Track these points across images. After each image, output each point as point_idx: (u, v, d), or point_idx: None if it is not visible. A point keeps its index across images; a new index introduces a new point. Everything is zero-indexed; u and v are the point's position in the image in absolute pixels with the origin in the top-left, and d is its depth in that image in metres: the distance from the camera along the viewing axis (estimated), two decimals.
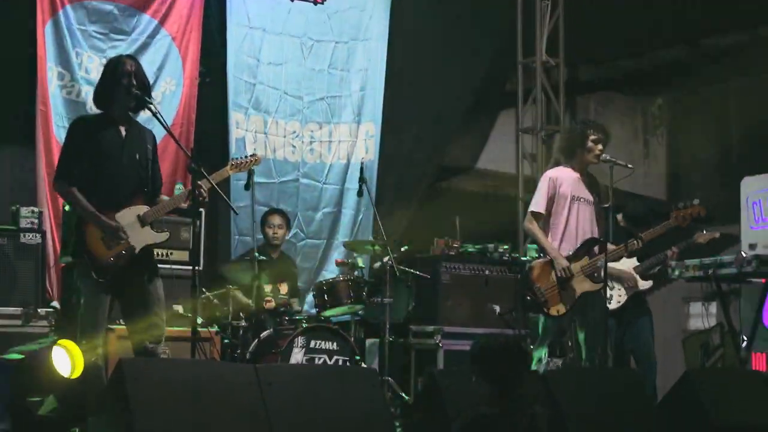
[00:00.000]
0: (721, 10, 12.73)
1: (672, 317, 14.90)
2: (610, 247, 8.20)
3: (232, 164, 7.35)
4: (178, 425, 5.52)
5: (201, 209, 8.86)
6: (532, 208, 8.34)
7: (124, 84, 6.74)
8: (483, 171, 14.31)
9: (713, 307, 13.45)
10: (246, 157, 7.58)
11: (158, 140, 7.19)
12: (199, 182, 6.75)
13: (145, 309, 6.75)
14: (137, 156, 6.83)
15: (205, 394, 5.68)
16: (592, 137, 8.27)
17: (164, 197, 7.06)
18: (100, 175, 6.69)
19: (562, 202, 8.25)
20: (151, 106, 6.80)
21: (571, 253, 8.16)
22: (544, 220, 8.30)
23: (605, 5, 12.88)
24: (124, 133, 6.82)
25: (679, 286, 13.36)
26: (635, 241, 8.30)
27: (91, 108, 8.74)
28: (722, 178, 13.85)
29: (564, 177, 8.31)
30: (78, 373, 5.79)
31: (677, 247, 9.16)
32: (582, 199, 8.27)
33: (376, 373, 7.29)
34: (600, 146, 8.28)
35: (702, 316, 11.95)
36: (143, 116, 7.11)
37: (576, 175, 8.32)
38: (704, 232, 9.21)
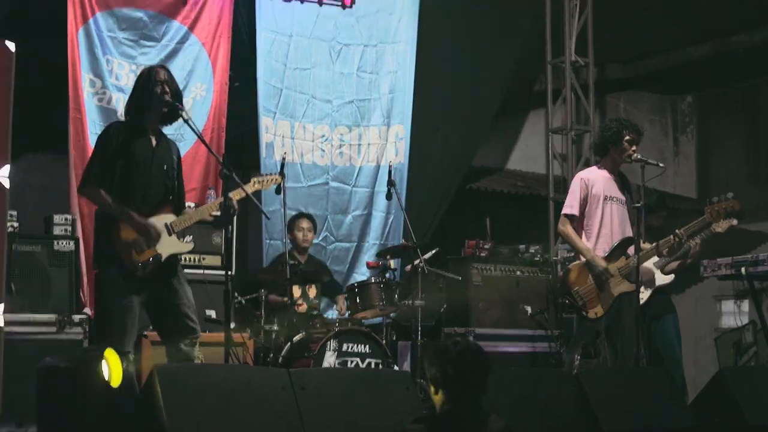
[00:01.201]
0: (750, 6, 12.71)
1: (704, 315, 14.87)
2: (646, 246, 8.19)
3: (254, 181, 7.38)
4: (210, 430, 5.54)
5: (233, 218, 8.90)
6: (565, 211, 8.29)
7: (157, 92, 6.80)
8: (513, 171, 14.34)
9: (746, 305, 13.43)
10: (269, 174, 7.68)
11: (189, 146, 7.28)
12: (229, 194, 6.80)
13: (177, 312, 6.79)
14: (165, 167, 6.89)
15: (238, 399, 5.70)
16: (627, 137, 8.21)
17: (190, 206, 7.11)
18: (131, 183, 6.73)
19: (595, 202, 8.21)
20: (183, 113, 6.86)
21: (606, 254, 8.13)
22: (578, 221, 8.27)
23: (633, 3, 12.88)
24: (154, 143, 6.88)
25: (710, 284, 13.33)
26: (672, 238, 8.25)
27: (122, 115, 8.84)
28: (752, 174, 13.83)
29: (596, 177, 8.28)
30: (118, 381, 5.82)
31: (699, 237, 9.05)
32: (615, 199, 8.23)
33: (409, 376, 7.31)
34: (634, 146, 8.22)
35: (734, 314, 11.96)
36: (174, 124, 7.16)
37: (608, 174, 8.29)
38: (721, 221, 9.08)
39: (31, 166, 9.99)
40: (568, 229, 8.23)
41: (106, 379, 5.69)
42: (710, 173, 15.80)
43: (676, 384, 8.83)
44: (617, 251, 8.10)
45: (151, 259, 6.69)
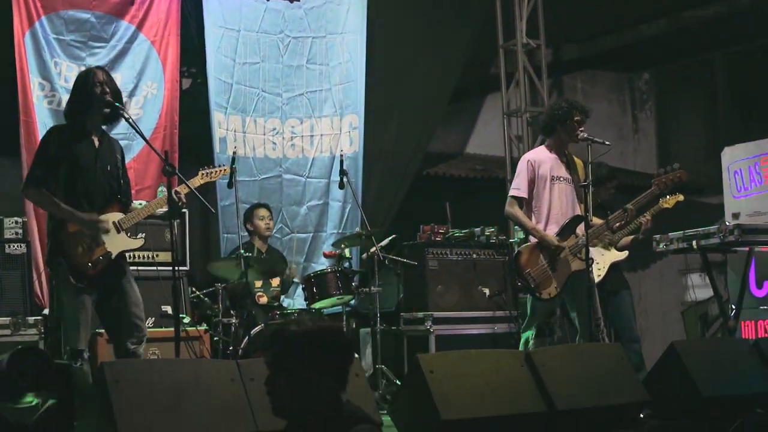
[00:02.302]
0: None
1: (670, 289, 14.98)
2: (597, 221, 8.25)
3: (202, 174, 7.44)
4: (161, 426, 5.54)
5: (181, 212, 8.94)
6: (513, 192, 8.29)
7: (96, 93, 6.80)
8: (472, 155, 14.40)
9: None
10: (215, 167, 7.67)
11: (142, 145, 7.29)
12: (176, 188, 6.83)
13: (124, 311, 6.81)
14: (109, 167, 6.91)
15: (187, 392, 5.67)
16: (576, 117, 8.21)
17: (137, 204, 7.14)
18: (75, 187, 6.76)
19: (542, 183, 8.21)
20: (124, 113, 6.87)
21: (559, 231, 8.16)
22: (527, 203, 8.28)
23: None
24: (97, 144, 6.90)
25: (676, 258, 13.45)
26: (622, 213, 8.31)
27: None
28: (711, 150, 13.88)
29: (542, 158, 8.30)
30: None
31: (649, 213, 9.11)
32: (562, 179, 8.24)
33: (358, 362, 7.33)
34: (581, 127, 8.26)
35: (701, 288, 12.02)
36: (124, 124, 7.18)
37: (554, 155, 8.31)
38: (668, 197, 9.15)
39: None
40: (515, 209, 8.24)
41: None
42: (670, 149, 15.90)
43: (630, 360, 8.94)
44: (567, 230, 8.13)
45: (101, 257, 6.72)
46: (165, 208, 7.02)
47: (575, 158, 8.41)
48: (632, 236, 9.30)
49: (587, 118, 8.35)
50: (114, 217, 6.85)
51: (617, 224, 8.43)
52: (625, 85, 16.26)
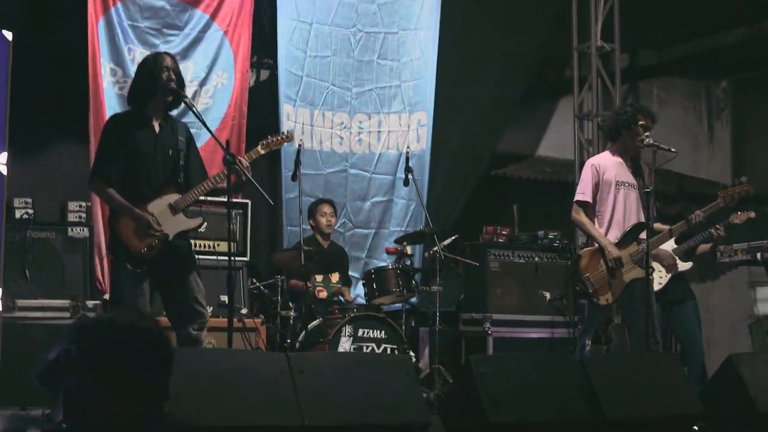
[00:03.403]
0: None
1: (739, 302, 14.77)
2: (660, 227, 8.18)
3: (263, 144, 7.33)
4: (208, 414, 5.57)
5: (241, 189, 8.87)
6: (577, 197, 8.21)
7: (163, 78, 6.86)
8: (543, 158, 14.29)
9: None
10: (277, 135, 7.51)
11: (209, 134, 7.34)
12: (239, 157, 6.87)
13: (185, 297, 6.88)
14: (170, 151, 6.95)
15: (236, 383, 5.72)
16: (641, 122, 8.13)
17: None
18: (135, 172, 6.84)
19: (607, 188, 8.15)
20: (187, 100, 6.92)
21: (621, 239, 8.09)
22: (590, 208, 8.21)
23: None
24: (157, 129, 6.95)
25: (745, 270, 13.25)
26: (684, 223, 8.25)
27: None
28: None
29: (607, 163, 8.23)
30: None
31: (721, 225, 9.02)
32: (626, 184, 8.16)
33: (410, 360, 7.34)
34: (647, 132, 8.17)
35: (759, 300, 11.85)
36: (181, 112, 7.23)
37: (619, 159, 8.23)
38: (738, 213, 9.05)
39: (52, 154, 10.09)
40: (581, 216, 8.18)
41: None
42: (745, 159, 15.68)
43: (692, 371, 8.86)
44: (629, 236, 8.06)
45: (156, 241, 6.77)
46: (223, 185, 7.00)
47: (642, 164, 8.33)
48: (705, 245, 9.20)
49: (653, 123, 8.25)
50: (170, 199, 6.89)
51: (679, 233, 8.36)
52: (701, 93, 16.04)
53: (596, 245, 8.14)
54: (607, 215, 8.17)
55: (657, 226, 8.15)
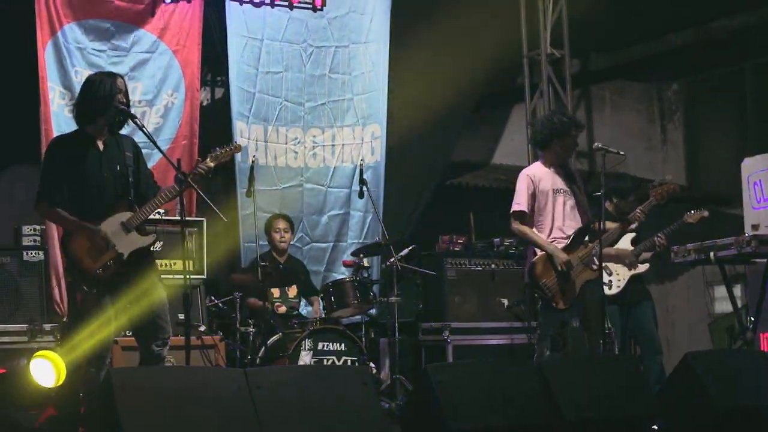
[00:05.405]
0: None
1: (697, 302, 14.86)
2: (611, 225, 8.28)
3: (211, 156, 7.20)
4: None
5: (187, 212, 8.91)
6: (514, 208, 8.21)
7: (117, 100, 6.82)
8: (498, 166, 14.36)
9: (738, 290, 13.43)
10: (226, 146, 7.34)
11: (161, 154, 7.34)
12: (200, 159, 6.91)
13: (147, 312, 6.82)
14: (117, 167, 6.89)
15: (193, 400, 5.71)
16: (573, 133, 8.22)
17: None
18: (81, 192, 6.78)
19: (544, 198, 8.15)
20: (137, 120, 6.91)
21: (567, 245, 8.12)
22: (528, 218, 8.21)
23: None
24: (101, 147, 6.89)
25: (701, 270, 13.34)
26: (624, 224, 8.40)
27: None
28: (740, 160, 13.80)
29: (541, 173, 8.23)
30: (61, 381, 5.86)
31: (663, 232, 9.13)
32: (562, 191, 8.20)
33: (368, 371, 7.36)
34: (576, 143, 8.30)
35: (715, 300, 11.95)
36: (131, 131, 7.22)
37: (551, 169, 8.26)
38: (692, 212, 9.16)
39: (4, 178, 10.07)
40: (521, 226, 8.17)
41: (40, 382, 5.70)
42: (698, 159, 15.81)
43: (651, 371, 8.94)
44: (575, 242, 8.11)
45: (110, 261, 6.73)
46: (170, 200, 7.00)
47: (574, 170, 8.45)
48: (651, 252, 9.30)
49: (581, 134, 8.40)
50: (121, 217, 6.83)
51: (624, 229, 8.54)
52: (653, 95, 16.18)
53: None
54: (547, 223, 8.18)
55: (608, 225, 8.25)
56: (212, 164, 7.17)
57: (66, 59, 9.81)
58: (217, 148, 7.30)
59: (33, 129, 9.66)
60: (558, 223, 8.17)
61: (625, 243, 9.27)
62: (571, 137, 8.20)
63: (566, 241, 8.09)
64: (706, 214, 9.22)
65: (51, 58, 9.76)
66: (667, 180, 8.52)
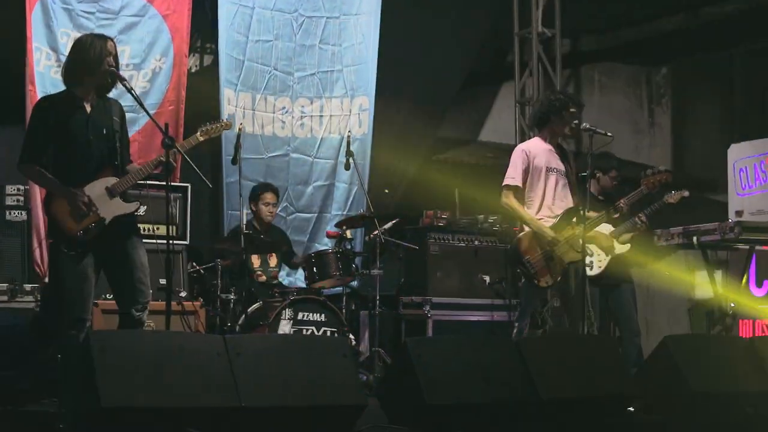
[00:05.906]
0: None
1: (678, 286, 14.89)
2: (590, 215, 8.25)
3: (201, 131, 7.23)
4: (144, 396, 5.58)
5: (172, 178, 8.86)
6: (507, 182, 8.22)
7: (107, 63, 6.76)
8: (484, 143, 14.35)
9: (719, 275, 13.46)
10: (217, 122, 7.38)
11: (148, 118, 7.29)
12: (172, 150, 6.82)
13: (127, 275, 6.81)
14: (104, 131, 6.83)
15: (172, 364, 5.73)
16: (572, 109, 8.24)
17: (134, 167, 7.08)
18: (67, 154, 6.74)
19: (537, 174, 8.19)
20: (126, 83, 6.86)
21: (555, 224, 8.15)
22: (519, 193, 8.24)
23: None
24: (89, 109, 6.83)
25: (684, 254, 13.37)
26: (612, 210, 8.38)
27: None
28: (727, 146, 13.84)
29: (537, 149, 8.27)
30: None
31: (644, 213, 9.11)
32: (556, 170, 8.23)
33: (347, 342, 7.38)
34: (576, 121, 8.26)
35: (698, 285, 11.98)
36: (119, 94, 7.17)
37: (547, 146, 8.30)
38: (672, 192, 9.16)
39: None
40: (511, 200, 8.19)
41: None
42: (685, 144, 15.82)
43: (629, 353, 8.97)
44: (563, 221, 8.13)
45: (93, 224, 6.70)
46: (156, 171, 6.98)
47: (567, 150, 8.46)
48: (630, 232, 9.29)
49: (581, 112, 8.37)
50: (107, 182, 6.79)
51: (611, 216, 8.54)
52: (642, 78, 16.16)
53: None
54: (537, 200, 8.21)
55: (590, 212, 8.25)
56: (201, 138, 7.19)
57: (53, 20, 9.73)
58: (208, 123, 7.31)
59: (15, 90, 9.61)
60: (548, 201, 8.20)
61: (604, 227, 9.26)
62: (570, 113, 8.20)
63: (553, 220, 8.12)
64: (686, 193, 9.21)
65: (38, 19, 9.67)
66: (662, 170, 8.48)
